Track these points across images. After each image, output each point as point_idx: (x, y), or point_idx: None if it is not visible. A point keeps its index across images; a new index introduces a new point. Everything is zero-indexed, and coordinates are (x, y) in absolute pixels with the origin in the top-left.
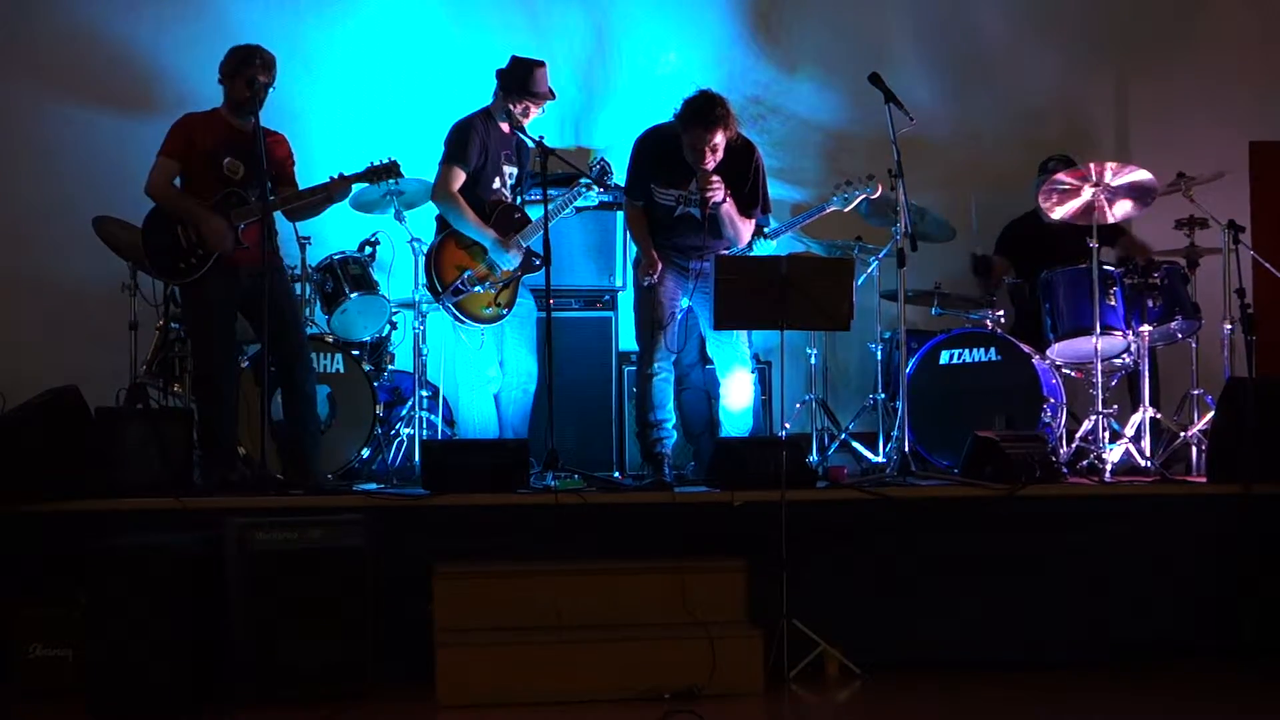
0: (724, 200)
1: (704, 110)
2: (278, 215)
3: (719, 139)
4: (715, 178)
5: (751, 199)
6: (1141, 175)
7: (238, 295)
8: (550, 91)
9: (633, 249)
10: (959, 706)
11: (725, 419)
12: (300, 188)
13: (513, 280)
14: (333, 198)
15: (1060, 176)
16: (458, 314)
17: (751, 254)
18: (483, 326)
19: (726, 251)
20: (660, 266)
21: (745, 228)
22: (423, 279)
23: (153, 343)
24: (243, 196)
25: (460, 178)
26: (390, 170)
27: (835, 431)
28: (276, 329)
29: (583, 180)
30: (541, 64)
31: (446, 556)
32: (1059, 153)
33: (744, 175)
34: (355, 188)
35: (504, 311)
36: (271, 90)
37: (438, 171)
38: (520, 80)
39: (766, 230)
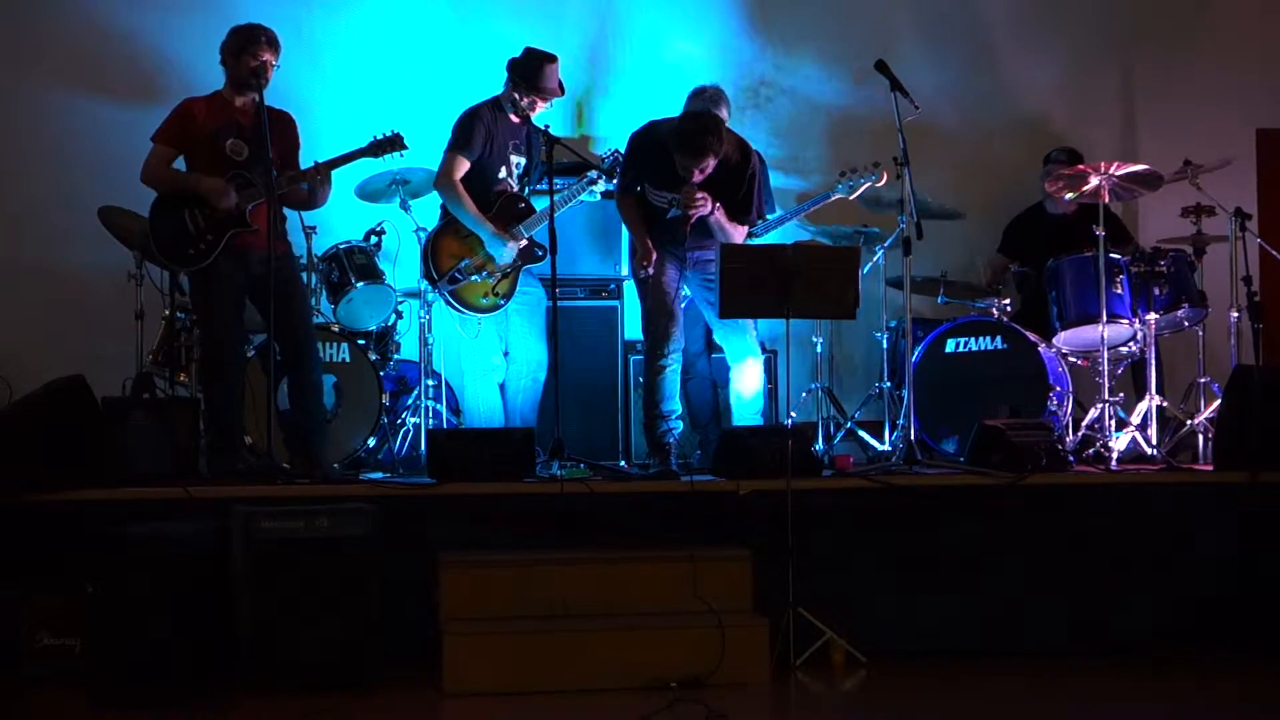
0: (710, 213)
1: (694, 139)
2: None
3: (708, 164)
4: (700, 195)
5: (744, 206)
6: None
7: (247, 281)
8: (560, 88)
9: None
10: (963, 696)
11: (736, 406)
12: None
13: (513, 270)
14: (329, 169)
15: (1064, 173)
16: (453, 302)
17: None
18: (479, 316)
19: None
20: (655, 256)
21: (736, 234)
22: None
23: (159, 332)
24: (248, 178)
25: (464, 166)
26: (394, 143)
27: (841, 420)
28: (284, 316)
29: (592, 173)
30: (553, 59)
31: (452, 545)
32: (1063, 145)
33: (738, 182)
34: (363, 175)
35: (501, 302)
36: (277, 80)
37: (442, 159)
38: (529, 74)
39: (770, 218)
